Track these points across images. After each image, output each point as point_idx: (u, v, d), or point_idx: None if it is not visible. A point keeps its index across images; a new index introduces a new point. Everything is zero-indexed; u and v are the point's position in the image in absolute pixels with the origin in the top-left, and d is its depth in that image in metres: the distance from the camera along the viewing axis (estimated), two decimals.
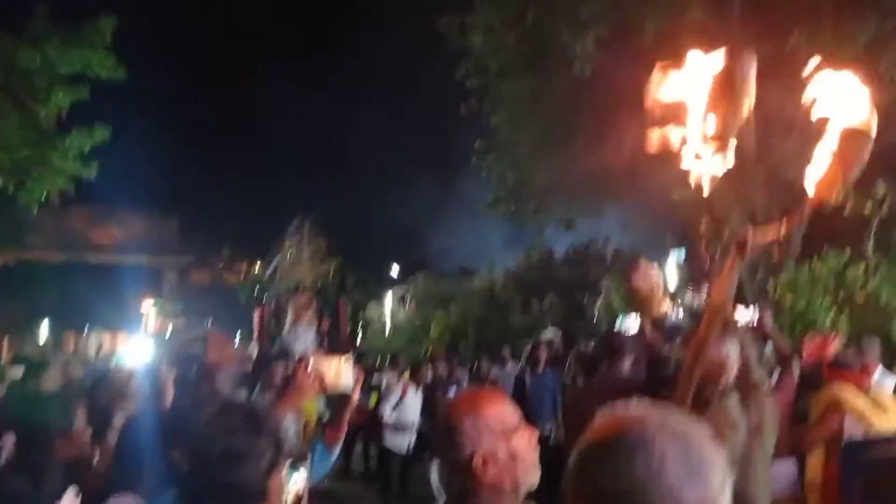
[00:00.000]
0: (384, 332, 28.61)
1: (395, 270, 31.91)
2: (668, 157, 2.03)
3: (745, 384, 3.00)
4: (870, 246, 11.83)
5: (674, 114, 1.93)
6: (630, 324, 6.36)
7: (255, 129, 49.38)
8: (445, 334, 23.87)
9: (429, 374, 8.90)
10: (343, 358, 2.32)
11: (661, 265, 14.31)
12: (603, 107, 14.74)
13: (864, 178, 1.91)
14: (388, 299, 30.81)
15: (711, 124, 1.85)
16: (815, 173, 1.94)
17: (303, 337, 15.60)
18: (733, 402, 2.86)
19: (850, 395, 4.40)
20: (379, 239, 36.05)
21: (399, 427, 8.54)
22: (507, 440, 1.72)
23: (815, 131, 1.96)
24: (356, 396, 2.38)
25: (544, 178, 16.63)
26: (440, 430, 1.79)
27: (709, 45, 1.91)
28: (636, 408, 1.12)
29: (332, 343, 16.49)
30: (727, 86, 1.81)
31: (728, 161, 1.90)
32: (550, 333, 12.70)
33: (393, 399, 8.60)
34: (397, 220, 40.11)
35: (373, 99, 47.35)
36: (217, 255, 34.89)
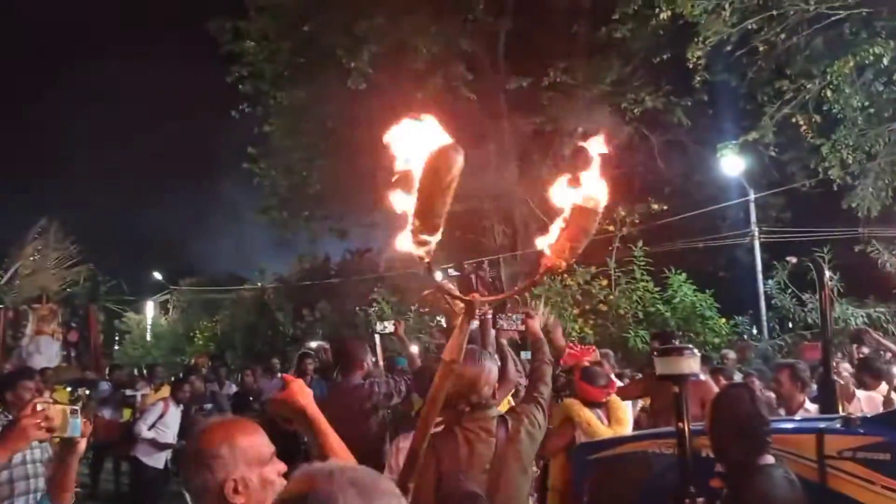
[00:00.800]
0: (143, 342, 26.77)
1: (158, 277, 29.98)
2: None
3: (529, 395, 3.26)
4: (612, 262, 13.27)
5: (404, 181, 1.99)
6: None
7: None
8: (211, 343, 22.86)
9: (188, 389, 8.45)
10: (69, 408, 2.14)
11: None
12: (375, 120, 15.10)
13: (608, 202, 2.17)
14: (149, 307, 28.95)
15: (421, 208, 1.95)
16: (549, 242, 2.18)
17: (45, 349, 14.14)
18: (493, 412, 3.06)
19: (580, 409, 4.90)
20: (139, 244, 33.58)
21: (156, 444, 8.04)
22: (260, 469, 1.76)
23: (553, 205, 2.20)
24: (82, 447, 2.22)
25: (317, 186, 16.62)
26: (193, 452, 1.78)
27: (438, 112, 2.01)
28: (328, 465, 1.19)
29: (81, 355, 15.11)
30: (433, 174, 1.92)
31: (430, 245, 1.99)
32: (317, 343, 12.64)
33: (151, 417, 8.06)
34: (160, 225, 37.61)
35: (133, 97, 43.64)
36: None
